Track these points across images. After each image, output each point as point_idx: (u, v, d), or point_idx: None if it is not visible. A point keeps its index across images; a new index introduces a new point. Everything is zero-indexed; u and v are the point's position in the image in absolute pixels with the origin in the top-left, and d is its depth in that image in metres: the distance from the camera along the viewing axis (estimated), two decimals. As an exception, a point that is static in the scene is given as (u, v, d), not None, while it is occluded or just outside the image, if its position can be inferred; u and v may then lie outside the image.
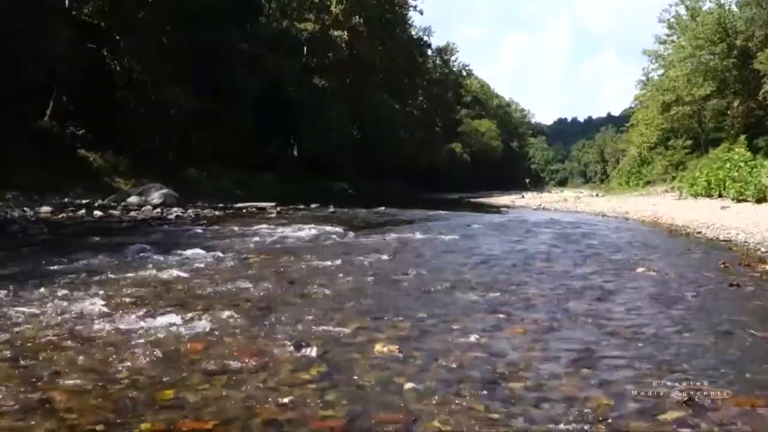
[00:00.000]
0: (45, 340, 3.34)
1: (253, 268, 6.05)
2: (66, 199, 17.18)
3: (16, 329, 3.51)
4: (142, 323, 3.72)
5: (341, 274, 5.62)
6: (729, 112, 28.12)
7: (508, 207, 23.31)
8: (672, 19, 42.63)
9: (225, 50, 30.31)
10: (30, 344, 3.25)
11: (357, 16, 39.87)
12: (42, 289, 4.61)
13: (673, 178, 32.06)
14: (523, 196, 34.17)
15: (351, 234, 9.70)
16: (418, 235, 9.40)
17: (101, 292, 4.61)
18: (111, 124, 24.30)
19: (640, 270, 6.08)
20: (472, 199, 32.38)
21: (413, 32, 53.50)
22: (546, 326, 3.81)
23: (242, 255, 6.92)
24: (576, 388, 2.70)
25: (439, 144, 57.78)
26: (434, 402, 2.52)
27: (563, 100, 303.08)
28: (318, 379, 2.79)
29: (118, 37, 22.23)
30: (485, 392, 2.64)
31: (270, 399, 2.53)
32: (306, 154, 38.88)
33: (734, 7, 27.15)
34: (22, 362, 2.96)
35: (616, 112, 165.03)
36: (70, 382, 2.71)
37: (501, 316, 4.09)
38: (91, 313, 3.98)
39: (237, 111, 31.88)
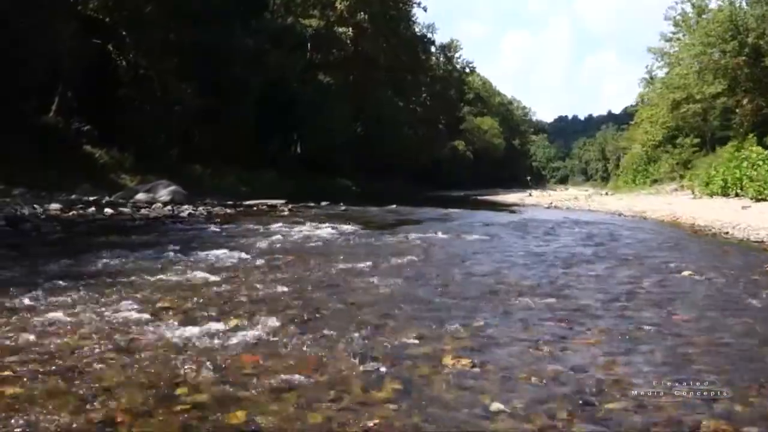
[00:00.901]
0: (88, 350, 3.11)
1: (284, 270, 5.81)
2: (73, 196, 16.95)
3: (57, 339, 3.28)
4: (186, 331, 3.49)
5: (378, 277, 5.39)
6: (737, 110, 27.88)
7: (518, 205, 23.06)
8: (678, 17, 42.41)
9: (229, 47, 30.04)
10: (75, 356, 3.02)
11: (362, 13, 39.55)
12: (74, 294, 4.38)
13: (681, 176, 31.85)
14: (530, 195, 33.94)
15: (372, 233, 9.46)
16: (441, 235, 9.16)
17: (136, 297, 4.38)
18: (115, 121, 24.05)
19: (686, 273, 5.85)
20: (478, 197, 32.13)
21: (416, 29, 53.16)
22: (617, 337, 3.57)
23: (269, 256, 6.68)
24: (681, 409, 2.47)
25: (442, 141, 57.49)
26: (533, 427, 2.29)
27: (564, 98, 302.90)
28: (396, 399, 2.55)
29: (124, 33, 21.89)
30: (584, 414, 2.41)
31: (352, 422, 2.30)
32: (307, 152, 38.59)
33: (745, 5, 26.90)
34: (70, 377, 2.73)
35: (616, 110, 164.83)
36: (127, 401, 2.48)
37: (562, 324, 3.86)
38: (131, 320, 3.75)
39: (239, 108, 31.63)
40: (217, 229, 9.76)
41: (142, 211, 13.11)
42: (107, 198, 17.43)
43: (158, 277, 5.23)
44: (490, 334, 3.57)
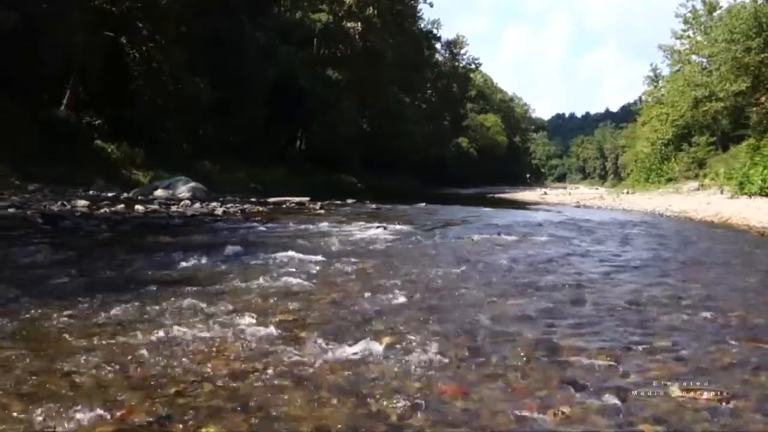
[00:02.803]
0: (254, 377, 2.65)
1: (379, 275, 5.33)
2: (90, 192, 16.48)
3: (205, 362, 2.81)
4: (345, 352, 3.03)
5: (489, 286, 4.93)
6: (755, 108, 27.55)
7: (543, 204, 22.55)
8: (688, 14, 42.11)
9: (239, 40, 29.54)
10: (246, 384, 2.56)
11: (371, 7, 38.98)
12: (174, 303, 3.92)
13: (696, 175, 31.54)
14: (545, 193, 33.47)
15: (428, 233, 9.00)
16: (505, 236, 8.69)
17: (244, 306, 3.93)
18: (125, 115, 23.51)
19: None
20: (494, 195, 31.67)
21: (422, 25, 52.66)
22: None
23: (346, 258, 6.20)
24: None
25: (447, 138, 57.02)
26: None
27: (560, 95, 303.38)
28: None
29: (140, 24, 21.28)
30: None
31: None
32: (314, 148, 38.03)
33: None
34: (258, 410, 2.26)
35: (614, 108, 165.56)
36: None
37: (759, 344, 3.41)
38: (263, 335, 3.30)
39: (249, 102, 31.15)
40: (264, 229, 9.27)
41: (173, 208, 12.58)
42: (125, 194, 16.99)
43: (250, 283, 4.76)
44: (690, 357, 3.12)
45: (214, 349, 3.03)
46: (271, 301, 4.19)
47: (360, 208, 15.37)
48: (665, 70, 48.65)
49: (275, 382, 2.60)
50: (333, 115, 36.72)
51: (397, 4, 44.96)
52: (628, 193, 26.28)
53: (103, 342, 3.10)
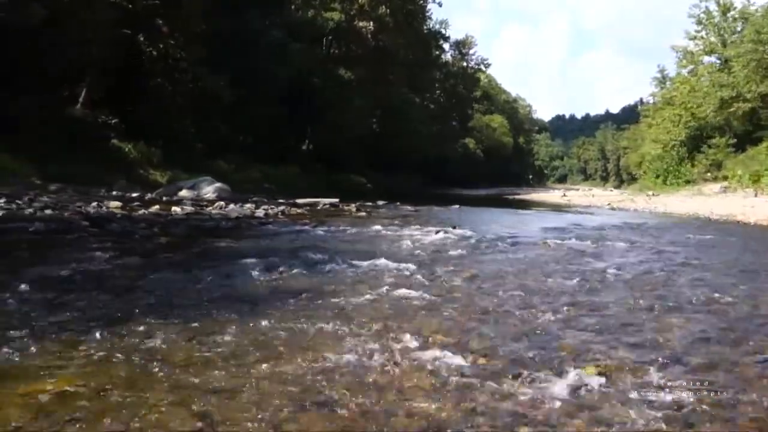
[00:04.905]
0: (455, 413, 2.19)
1: (491, 287, 4.87)
2: (114, 192, 16.05)
3: (399, 399, 2.35)
4: (543, 386, 2.58)
5: (628, 298, 4.49)
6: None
7: (571, 206, 21.92)
8: (702, 15, 41.85)
9: (253, 39, 29.13)
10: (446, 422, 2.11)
11: (383, 6, 38.52)
12: (315, 320, 3.45)
13: (715, 177, 31.18)
14: (564, 194, 32.99)
15: (497, 239, 8.53)
16: (581, 243, 8.20)
17: (388, 326, 3.47)
18: (141, 113, 23.06)
19: None
20: (513, 197, 31.21)
21: (430, 24, 52.26)
22: None
23: (440, 267, 5.74)
24: None
25: (455, 138, 56.59)
26: None
27: (560, 97, 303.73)
28: None
29: (160, 21, 20.77)
30: None
31: None
32: (323, 147, 37.56)
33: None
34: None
35: (614, 110, 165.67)
36: None
37: None
38: (431, 360, 2.83)
39: (261, 101, 30.75)
40: (321, 232, 8.80)
41: (209, 209, 12.10)
42: (149, 194, 16.58)
43: (364, 296, 4.31)
44: None
45: (399, 381, 2.58)
46: (410, 318, 3.74)
47: (396, 210, 14.91)
48: (672, 72, 48.43)
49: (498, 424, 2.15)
50: (344, 115, 36.29)
51: (408, 3, 44.54)
52: (652, 195, 25.87)
53: (277, 368, 2.64)
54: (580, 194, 35.33)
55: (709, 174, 31.12)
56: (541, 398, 2.46)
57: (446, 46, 54.74)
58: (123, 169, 20.40)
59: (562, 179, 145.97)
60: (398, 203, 16.73)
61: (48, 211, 9.83)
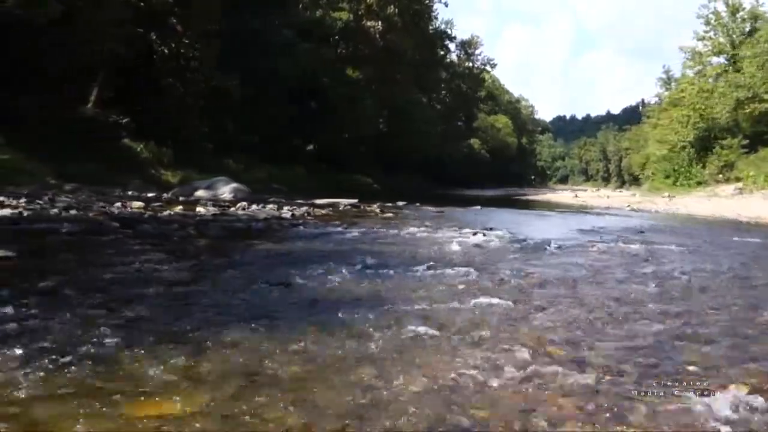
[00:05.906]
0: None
1: (566, 293, 4.63)
2: (129, 192, 15.85)
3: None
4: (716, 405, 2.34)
5: (731, 307, 4.25)
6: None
7: (588, 207, 21.59)
8: (711, 15, 41.68)
9: (263, 38, 28.93)
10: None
11: (392, 6, 38.31)
12: (410, 332, 3.20)
13: (727, 179, 30.98)
14: (576, 195, 32.72)
15: (541, 242, 8.29)
16: (629, 246, 7.94)
17: (497, 340, 3.21)
18: (152, 113, 22.84)
19: None
20: (524, 197, 30.96)
21: (436, 24, 52.05)
22: None
23: (503, 271, 5.50)
24: None
25: (460, 138, 56.36)
26: None
27: (560, 97, 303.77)
28: None
29: (174, 20, 20.52)
30: None
31: None
32: (329, 147, 37.34)
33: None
34: None
35: (615, 111, 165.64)
36: None
37: None
38: (564, 378, 2.59)
39: (270, 101, 30.55)
40: (357, 234, 8.54)
41: (233, 210, 11.86)
42: (165, 194, 16.39)
43: (442, 305, 4.05)
44: None
45: (539, 403, 2.34)
46: (505, 328, 3.49)
47: (419, 211, 14.66)
48: (677, 73, 48.28)
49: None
50: (352, 114, 36.07)
51: (415, 3, 44.35)
52: (669, 197, 25.64)
53: (390, 388, 2.40)
54: (591, 195, 35.05)
55: (721, 175, 30.92)
56: (705, 419, 2.23)
57: (452, 46, 54.63)
58: (135, 169, 20.19)
59: (563, 180, 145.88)
60: (418, 204, 16.49)
61: (72, 212, 9.59)
